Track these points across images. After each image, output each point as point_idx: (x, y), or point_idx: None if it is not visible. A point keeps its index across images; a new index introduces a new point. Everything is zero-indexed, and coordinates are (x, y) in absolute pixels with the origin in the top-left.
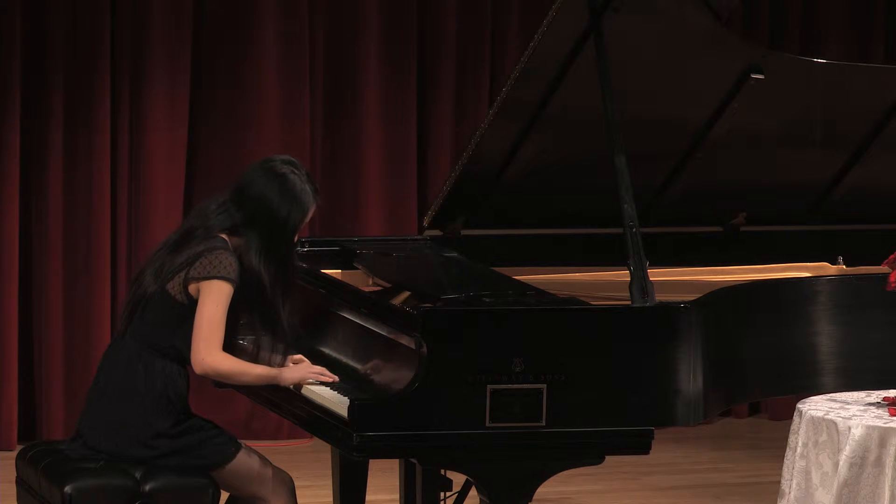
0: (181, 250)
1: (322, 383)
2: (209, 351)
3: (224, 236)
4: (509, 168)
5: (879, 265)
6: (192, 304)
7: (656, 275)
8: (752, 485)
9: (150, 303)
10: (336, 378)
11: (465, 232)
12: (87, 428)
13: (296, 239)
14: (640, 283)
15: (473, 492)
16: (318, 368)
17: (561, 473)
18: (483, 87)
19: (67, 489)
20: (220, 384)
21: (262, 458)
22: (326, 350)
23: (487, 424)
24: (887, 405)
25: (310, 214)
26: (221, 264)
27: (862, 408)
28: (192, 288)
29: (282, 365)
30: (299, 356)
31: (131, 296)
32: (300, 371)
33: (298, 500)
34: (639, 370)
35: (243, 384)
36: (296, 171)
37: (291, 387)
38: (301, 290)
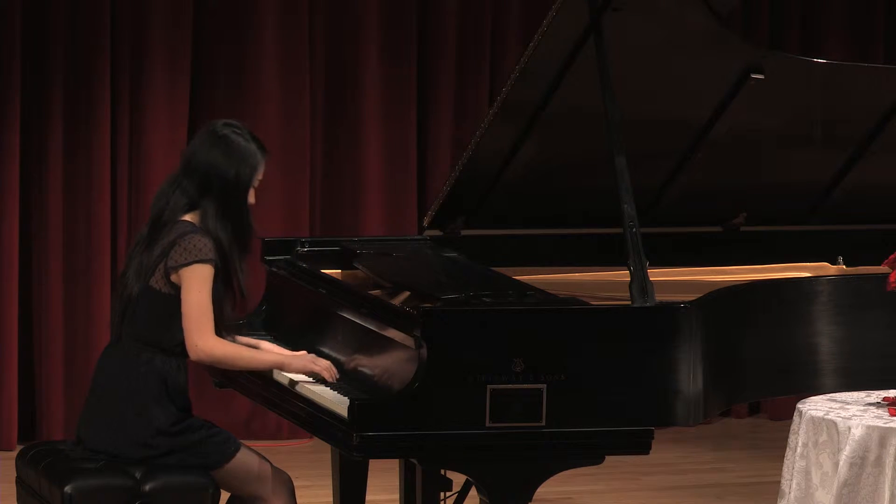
0: (154, 243)
1: (322, 383)
2: (201, 335)
3: (188, 218)
4: (509, 168)
5: (879, 265)
6: (178, 293)
7: (656, 275)
8: (752, 485)
9: (139, 302)
10: (337, 375)
11: (465, 232)
12: (87, 433)
13: (251, 197)
14: (640, 283)
15: (473, 492)
16: (326, 363)
17: (561, 473)
18: (483, 87)
19: (67, 489)
20: (220, 384)
21: (262, 458)
22: (326, 350)
23: (487, 424)
24: (887, 405)
25: (260, 170)
26: (196, 247)
27: (862, 408)
28: (174, 277)
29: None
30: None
31: (118, 299)
32: (307, 361)
33: (298, 500)
34: (639, 370)
35: (244, 369)
36: (237, 131)
37: (287, 383)
38: (301, 290)
